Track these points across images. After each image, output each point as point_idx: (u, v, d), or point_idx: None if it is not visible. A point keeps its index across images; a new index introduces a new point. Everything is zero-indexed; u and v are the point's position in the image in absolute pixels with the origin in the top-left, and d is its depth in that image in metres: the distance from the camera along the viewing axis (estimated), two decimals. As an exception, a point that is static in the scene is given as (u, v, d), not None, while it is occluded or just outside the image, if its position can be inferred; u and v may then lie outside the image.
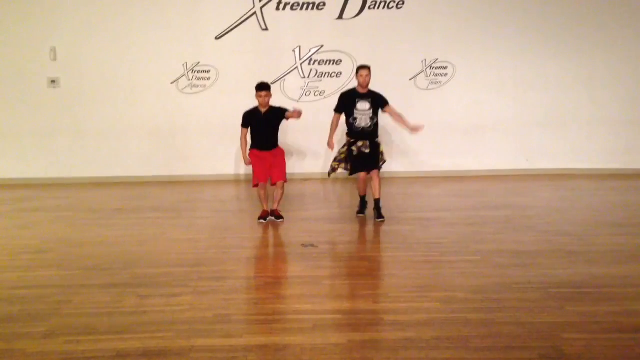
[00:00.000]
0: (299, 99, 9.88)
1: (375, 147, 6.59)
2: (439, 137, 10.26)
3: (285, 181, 6.63)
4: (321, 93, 10.08)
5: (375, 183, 6.56)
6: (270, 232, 6.18)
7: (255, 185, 6.57)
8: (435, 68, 10.20)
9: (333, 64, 10.11)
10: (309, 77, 10.08)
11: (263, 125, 6.61)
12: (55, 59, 9.85)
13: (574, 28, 10.09)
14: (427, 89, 10.22)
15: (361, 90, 6.56)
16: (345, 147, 6.72)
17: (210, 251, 5.31)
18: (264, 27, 9.95)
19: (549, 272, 4.47)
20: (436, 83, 10.22)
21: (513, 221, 6.39)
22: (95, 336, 3.29)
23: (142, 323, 3.49)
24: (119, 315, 3.63)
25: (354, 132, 6.58)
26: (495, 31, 10.09)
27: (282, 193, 6.66)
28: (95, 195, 8.76)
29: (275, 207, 6.61)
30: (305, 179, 9.82)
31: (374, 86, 10.15)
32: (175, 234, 6.06)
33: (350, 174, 6.72)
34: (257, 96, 6.56)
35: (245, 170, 9.64)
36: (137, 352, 3.08)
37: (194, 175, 9.89)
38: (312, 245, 5.38)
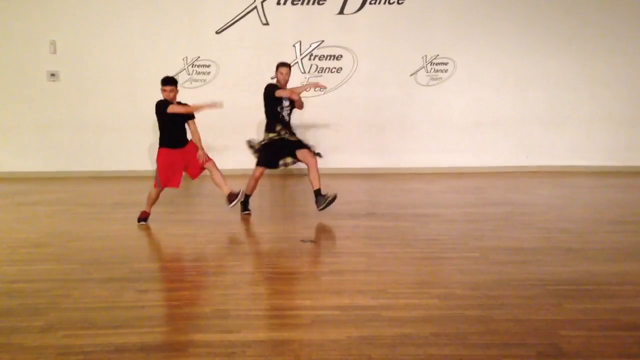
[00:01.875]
0: (299, 94, 9.85)
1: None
2: (438, 134, 10.28)
3: (209, 160, 6.26)
4: (321, 89, 10.05)
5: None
6: (269, 227, 6.18)
7: (156, 187, 6.12)
8: (436, 64, 10.19)
9: (333, 59, 10.10)
10: (309, 72, 10.07)
11: (173, 121, 6.07)
12: (55, 52, 9.84)
13: (575, 26, 10.09)
14: (427, 85, 10.21)
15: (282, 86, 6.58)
16: (265, 141, 6.57)
17: (209, 246, 5.31)
18: (264, 21, 9.94)
19: (547, 269, 4.47)
20: (437, 79, 10.22)
21: (512, 218, 6.39)
22: (93, 330, 3.29)
23: (140, 317, 3.49)
24: (118, 309, 3.63)
25: (280, 124, 6.53)
26: (497, 28, 10.09)
27: (220, 174, 6.27)
28: (94, 190, 8.76)
29: (226, 191, 6.21)
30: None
31: (375, 81, 10.17)
32: (174, 229, 6.05)
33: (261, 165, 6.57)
34: (162, 90, 6.02)
35: (244, 165, 9.63)
36: (135, 346, 3.08)
37: (193, 170, 9.88)
38: (311, 241, 5.38)
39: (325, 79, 10.08)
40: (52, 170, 9.97)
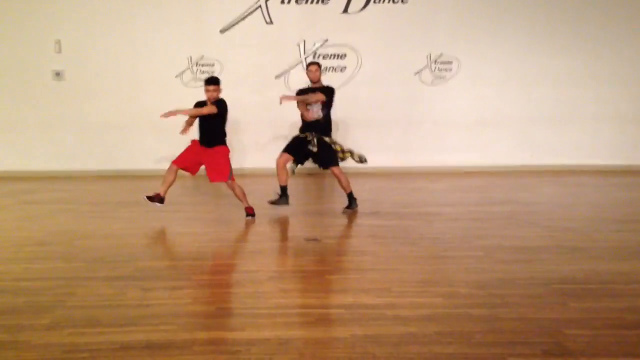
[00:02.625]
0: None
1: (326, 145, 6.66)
2: (442, 133, 10.27)
3: (226, 180, 6.30)
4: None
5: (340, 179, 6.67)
6: (273, 226, 6.19)
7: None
8: (440, 63, 10.18)
9: (338, 58, 10.10)
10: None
11: (205, 120, 6.25)
12: (60, 51, 9.86)
13: (580, 24, 10.07)
14: (431, 84, 10.20)
15: (313, 86, 6.75)
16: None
17: (213, 245, 5.31)
18: (268, 20, 9.94)
19: (552, 268, 4.46)
20: (441, 78, 10.21)
21: (517, 217, 6.38)
22: (98, 328, 3.29)
23: (145, 316, 3.49)
24: (123, 307, 3.64)
25: (305, 124, 6.68)
26: (501, 27, 10.07)
27: (237, 192, 6.36)
28: (98, 188, 8.79)
29: (244, 205, 6.39)
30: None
31: (379, 80, 10.15)
32: (178, 228, 6.07)
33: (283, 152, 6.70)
34: (205, 91, 6.21)
35: (248, 164, 9.65)
36: (140, 344, 3.08)
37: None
38: (315, 240, 5.39)
39: (330, 78, 10.06)
40: (57, 169, 9.99)
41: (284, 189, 6.62)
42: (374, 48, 10.09)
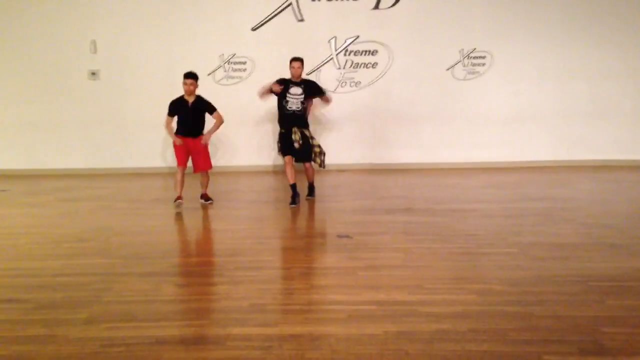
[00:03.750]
0: (335, 89, 9.86)
1: (306, 140, 6.96)
2: (476, 128, 10.15)
3: (207, 170, 7.07)
4: (357, 84, 10.05)
5: (308, 172, 7.17)
6: (306, 222, 6.21)
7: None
8: (473, 58, 10.06)
9: (369, 54, 10.06)
10: (344, 68, 10.06)
11: (189, 115, 6.80)
12: (95, 51, 10.05)
13: (618, 16, 9.83)
14: (464, 79, 10.09)
15: (295, 80, 7.01)
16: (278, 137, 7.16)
17: (246, 241, 5.35)
18: (299, 18, 9.96)
19: (589, 265, 4.37)
20: (474, 73, 10.08)
21: (552, 213, 6.27)
22: (134, 323, 3.35)
23: (179, 311, 3.54)
24: (158, 303, 3.70)
25: (285, 117, 6.98)
26: (535, 20, 9.90)
27: (207, 179, 7.16)
28: (134, 186, 8.93)
29: (204, 191, 7.17)
30: (341, 170, 9.83)
31: (411, 76, 10.08)
32: (211, 224, 6.13)
33: (284, 155, 7.06)
34: (183, 84, 6.83)
35: (280, 161, 9.69)
36: (175, 339, 3.13)
37: (229, 166, 9.99)
38: (347, 236, 5.38)
39: (361, 75, 10.06)
40: (93, 167, 10.20)
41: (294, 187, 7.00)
42: (406, 44, 10.02)
